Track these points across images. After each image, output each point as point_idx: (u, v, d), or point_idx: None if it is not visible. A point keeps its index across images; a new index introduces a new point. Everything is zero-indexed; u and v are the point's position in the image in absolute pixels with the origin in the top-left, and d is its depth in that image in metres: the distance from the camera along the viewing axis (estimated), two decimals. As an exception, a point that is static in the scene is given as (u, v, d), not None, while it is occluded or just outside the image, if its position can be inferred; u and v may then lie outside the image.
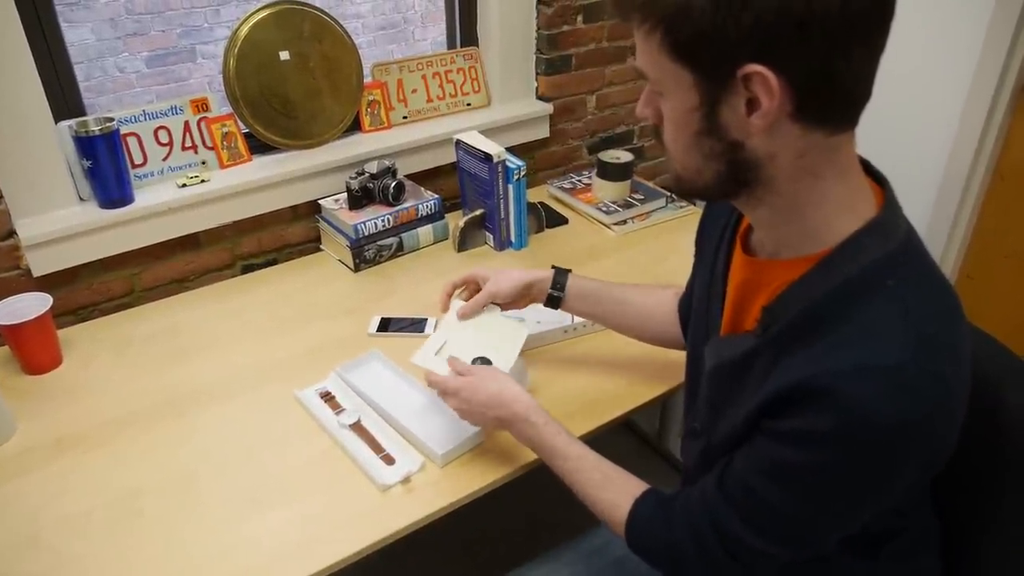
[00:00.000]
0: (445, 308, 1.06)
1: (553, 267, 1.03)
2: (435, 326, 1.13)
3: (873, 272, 0.61)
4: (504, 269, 1.03)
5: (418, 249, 1.55)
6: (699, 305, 0.84)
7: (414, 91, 1.69)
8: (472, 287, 1.05)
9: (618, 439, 1.83)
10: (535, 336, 1.20)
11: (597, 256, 1.51)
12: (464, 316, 1.01)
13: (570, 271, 1.04)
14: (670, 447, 1.92)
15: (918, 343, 0.58)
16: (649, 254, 1.50)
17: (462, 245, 1.53)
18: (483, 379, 0.91)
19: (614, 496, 0.82)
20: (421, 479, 0.98)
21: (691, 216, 1.66)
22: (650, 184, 1.75)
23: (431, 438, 1.01)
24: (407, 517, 0.94)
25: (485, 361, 0.97)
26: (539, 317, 1.22)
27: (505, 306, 1.05)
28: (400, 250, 1.52)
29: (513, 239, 1.54)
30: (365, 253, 1.47)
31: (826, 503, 0.63)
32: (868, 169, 0.67)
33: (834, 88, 0.57)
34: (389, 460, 1.01)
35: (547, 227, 1.61)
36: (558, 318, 1.22)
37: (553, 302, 1.04)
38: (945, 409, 0.59)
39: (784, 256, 0.68)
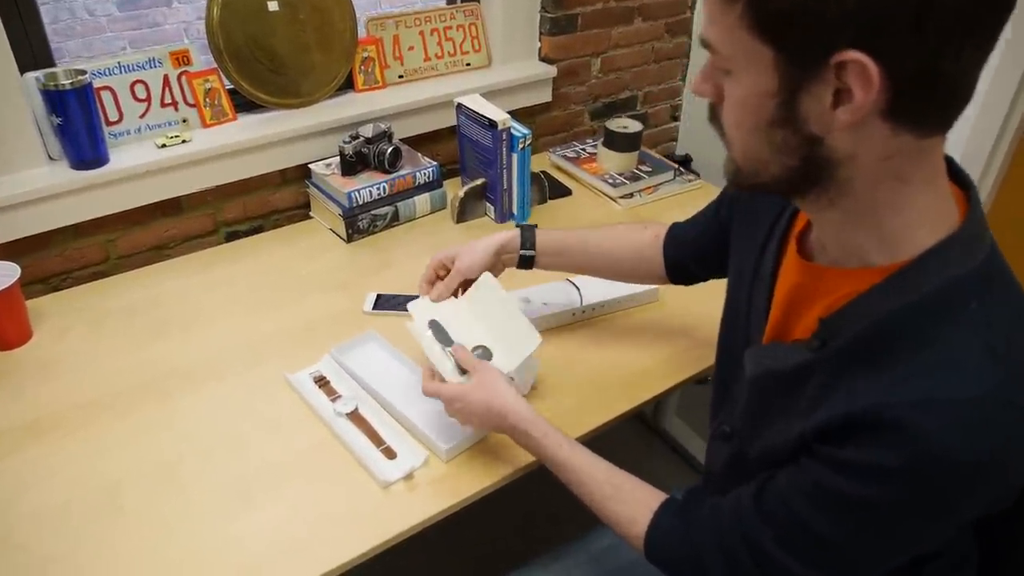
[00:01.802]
0: (425, 288, 1.02)
1: (517, 225, 1.00)
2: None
3: (954, 291, 0.56)
4: (469, 242, 0.98)
5: (414, 219, 1.49)
6: (737, 303, 0.79)
7: (411, 48, 1.60)
8: (444, 272, 1.01)
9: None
10: (542, 319, 1.16)
11: None
12: (438, 298, 0.97)
13: (536, 226, 1.00)
14: (666, 426, 1.90)
15: (1002, 374, 0.53)
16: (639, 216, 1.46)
17: (461, 216, 1.48)
18: (475, 389, 0.87)
19: (629, 510, 0.78)
20: (424, 475, 0.94)
21: (700, 190, 1.62)
22: (657, 155, 1.70)
23: (435, 431, 0.97)
24: (411, 517, 0.89)
25: (485, 352, 0.93)
26: (546, 298, 1.19)
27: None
28: (395, 220, 1.47)
29: (515, 211, 1.49)
30: (359, 223, 1.42)
31: (877, 538, 0.59)
32: (951, 169, 0.62)
33: (936, 88, 0.51)
34: (390, 454, 0.96)
35: (550, 198, 1.56)
36: (566, 300, 1.19)
37: (525, 262, 1.00)
38: None
39: (849, 264, 0.62)
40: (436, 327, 0.96)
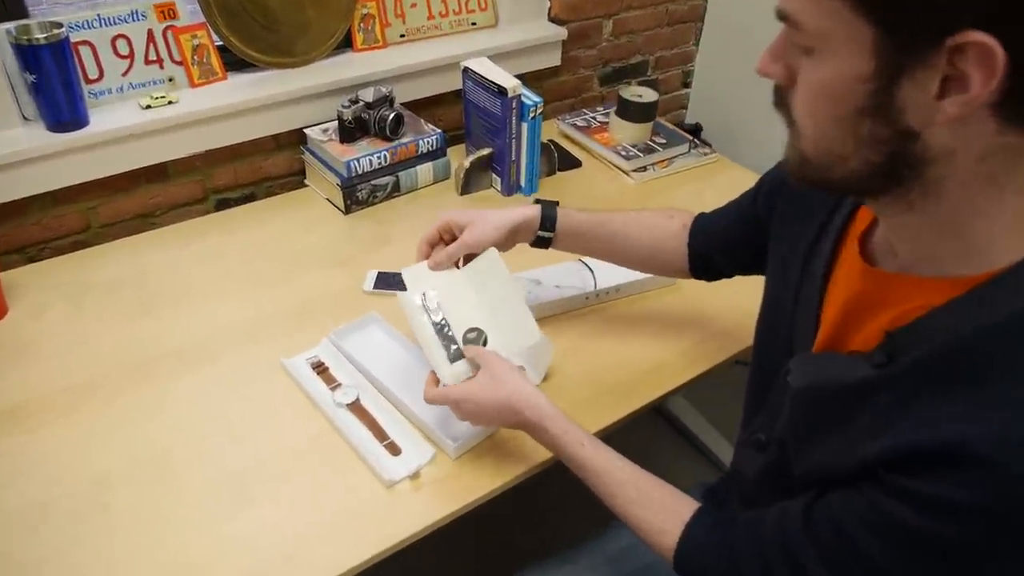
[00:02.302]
0: (421, 259, 0.95)
1: (537, 201, 0.94)
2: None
3: None
4: (484, 212, 0.92)
5: (416, 190, 1.43)
6: (780, 302, 0.73)
7: (413, 5, 1.51)
8: (449, 236, 0.94)
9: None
10: (554, 303, 1.11)
11: (614, 204, 1.40)
12: (437, 267, 0.91)
13: (558, 204, 0.94)
14: (668, 404, 1.87)
15: None
16: (671, 205, 1.32)
17: (465, 187, 1.41)
18: (484, 386, 0.82)
19: (658, 519, 0.74)
20: (431, 473, 0.90)
21: (716, 164, 1.55)
22: (672, 126, 1.62)
23: (442, 426, 0.92)
24: (418, 519, 0.84)
25: (479, 336, 0.89)
26: (558, 281, 1.14)
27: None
28: (396, 191, 1.40)
29: (523, 183, 1.42)
30: (357, 193, 1.35)
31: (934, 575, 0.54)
32: None
33: None
34: (394, 449, 0.92)
35: (559, 170, 1.49)
36: (579, 283, 1.14)
37: (542, 242, 0.95)
38: None
39: (923, 272, 0.57)
40: (430, 306, 0.91)
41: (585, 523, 0.96)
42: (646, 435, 1.81)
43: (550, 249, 0.97)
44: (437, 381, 0.87)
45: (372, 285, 1.17)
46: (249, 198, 1.43)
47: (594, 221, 0.96)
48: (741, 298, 0.96)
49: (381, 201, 1.39)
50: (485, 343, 0.89)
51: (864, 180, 0.53)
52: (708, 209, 0.96)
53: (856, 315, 0.63)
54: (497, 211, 0.94)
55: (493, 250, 0.90)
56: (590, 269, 1.16)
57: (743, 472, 0.78)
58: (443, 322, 0.90)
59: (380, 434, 0.93)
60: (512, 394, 0.81)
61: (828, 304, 0.67)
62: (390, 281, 1.18)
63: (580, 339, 1.09)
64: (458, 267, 0.93)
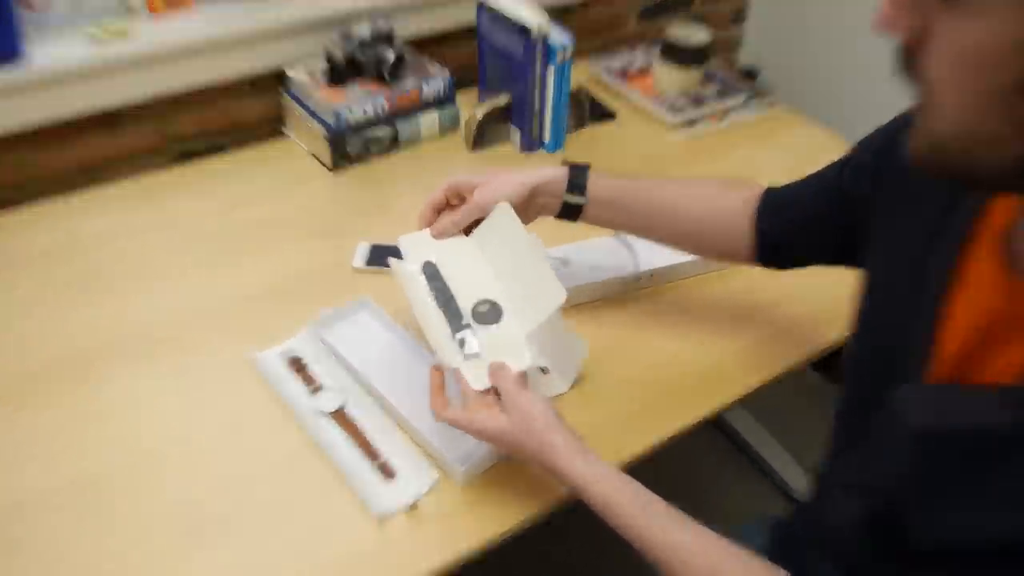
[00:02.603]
0: (424, 225, 0.94)
1: (565, 163, 0.90)
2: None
3: None
4: (499, 171, 0.90)
5: (419, 143, 1.35)
6: (882, 312, 0.66)
7: (418, -78, 1.40)
8: (458, 200, 0.92)
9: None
10: (585, 288, 1.04)
11: (654, 168, 1.33)
12: (441, 235, 0.89)
13: (589, 167, 0.90)
14: (729, 419, 1.76)
15: None
16: (725, 169, 1.33)
17: (478, 142, 1.33)
18: (510, 429, 0.76)
19: None
20: (433, 504, 0.82)
21: (782, 121, 1.45)
22: (726, 73, 1.52)
23: (448, 444, 0.85)
24: (415, 567, 0.76)
25: (493, 309, 0.85)
26: (591, 260, 1.07)
27: None
28: (395, 145, 1.32)
29: (546, 138, 1.33)
30: (348, 147, 1.27)
31: None
32: None
33: None
34: (387, 471, 0.84)
35: (589, 122, 1.40)
36: (617, 264, 1.06)
37: (570, 212, 0.90)
38: None
39: None
40: (432, 273, 0.88)
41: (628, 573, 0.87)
42: (698, 451, 1.75)
43: (580, 222, 0.92)
44: (443, 386, 0.81)
45: (364, 261, 1.11)
46: (217, 149, 1.34)
47: (634, 189, 0.92)
48: (820, 284, 0.95)
49: (376, 157, 1.32)
50: (499, 317, 0.85)
51: (1013, 174, 0.46)
52: (771, 174, 0.91)
53: (993, 338, 0.56)
54: (513, 171, 0.90)
55: (505, 204, 0.86)
56: (630, 247, 1.09)
57: (829, 518, 0.71)
58: (446, 293, 0.86)
59: (370, 451, 0.86)
60: (544, 446, 0.75)
61: (950, 321, 0.58)
62: (386, 256, 1.10)
63: (618, 335, 1.03)
64: (467, 234, 0.91)
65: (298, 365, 0.95)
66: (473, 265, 0.89)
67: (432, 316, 0.84)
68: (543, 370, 0.89)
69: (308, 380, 0.93)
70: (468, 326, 0.84)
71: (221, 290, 1.07)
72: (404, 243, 0.90)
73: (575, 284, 1.03)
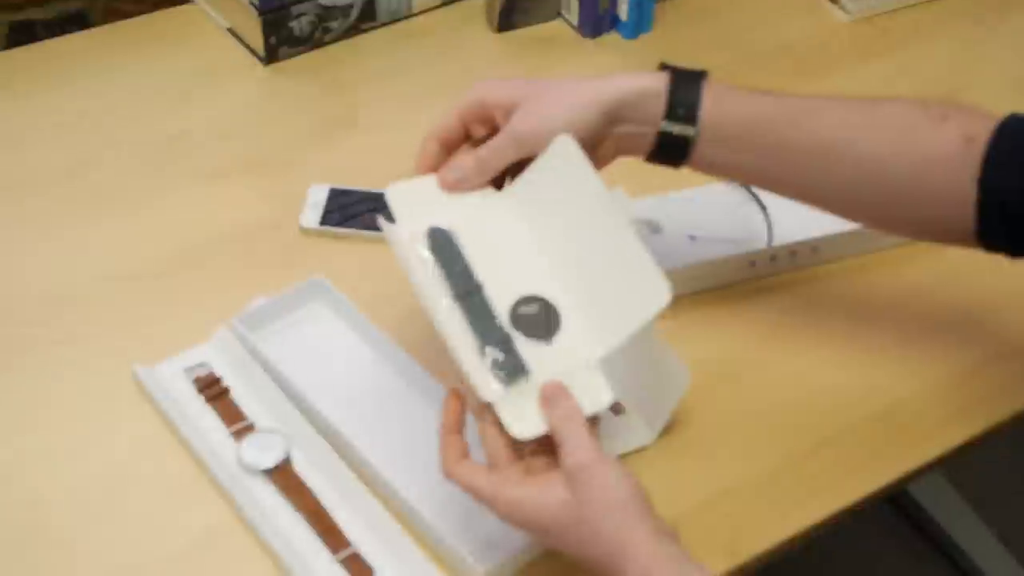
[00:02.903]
0: (426, 170, 0.91)
1: (664, 66, 0.88)
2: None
3: None
4: (550, 83, 0.87)
5: (408, 19, 1.34)
6: None
7: None
8: (484, 128, 0.90)
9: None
10: (689, 272, 1.02)
11: (806, 67, 1.30)
12: (456, 184, 0.88)
13: (704, 75, 0.87)
14: (916, 493, 1.75)
15: None
16: (929, 78, 1.29)
17: (506, 19, 1.32)
18: (545, 490, 0.75)
19: None
20: None
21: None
22: None
23: (460, 525, 0.84)
24: None
25: (544, 311, 0.83)
26: (699, 226, 1.04)
27: None
28: (368, 21, 1.31)
29: (623, 12, 1.32)
30: (291, 23, 1.25)
31: None
32: None
33: None
34: (358, 569, 0.81)
35: None
36: (741, 230, 1.05)
37: (671, 151, 0.88)
38: None
39: None
40: (442, 244, 0.85)
41: None
42: (868, 537, 1.72)
43: (684, 168, 0.90)
44: (462, 425, 0.79)
45: (318, 217, 1.09)
46: (77, 24, 1.32)
47: (778, 115, 0.88)
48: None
49: (336, 41, 1.30)
50: (554, 326, 0.82)
51: None
52: (1010, 90, 0.95)
53: None
54: (577, 80, 0.87)
55: (566, 138, 0.84)
56: (762, 207, 1.07)
57: None
58: (468, 277, 0.84)
59: (332, 536, 0.83)
60: (616, 552, 0.72)
61: None
62: (356, 208, 1.11)
63: (736, 350, 1.01)
64: (499, 187, 0.90)
65: (213, 388, 0.93)
66: (511, 237, 0.86)
67: (444, 316, 0.80)
68: (614, 407, 0.85)
69: (229, 414, 0.91)
70: (505, 334, 0.80)
71: (84, 263, 1.05)
72: (396, 198, 0.86)
73: (671, 265, 0.98)
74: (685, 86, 0.85)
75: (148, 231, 1.08)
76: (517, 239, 0.86)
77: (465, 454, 0.76)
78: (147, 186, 1.13)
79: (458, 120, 0.87)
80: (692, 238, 1.04)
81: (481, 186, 0.86)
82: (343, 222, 1.08)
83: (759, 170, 0.90)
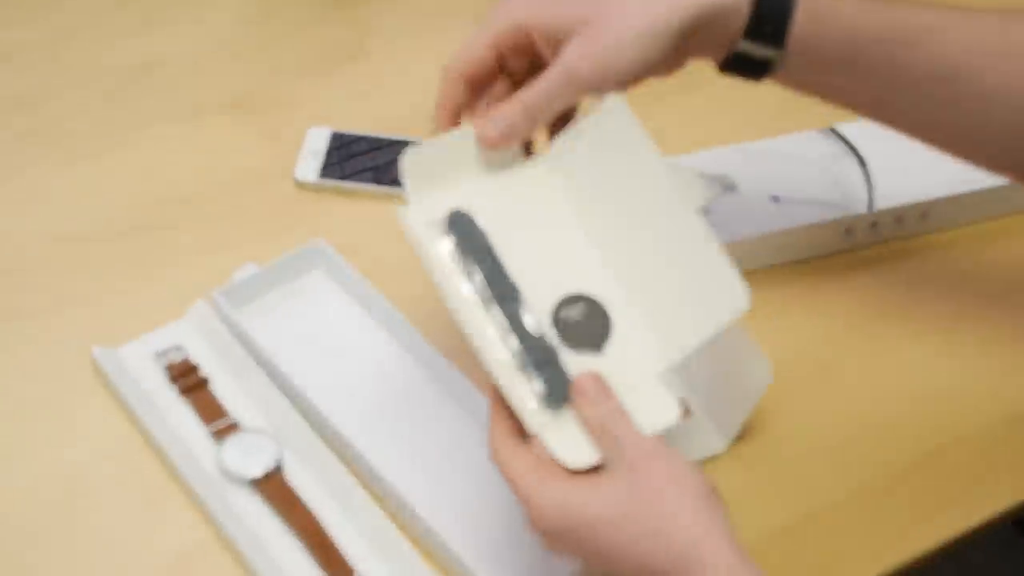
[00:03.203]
0: (446, 124, 0.87)
1: None
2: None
3: None
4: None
5: None
6: None
7: None
8: (521, 60, 0.86)
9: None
10: (770, 240, 1.02)
11: None
12: (499, 140, 0.84)
13: None
14: None
15: None
16: None
17: None
18: (620, 509, 0.73)
19: None
20: None
21: None
22: None
23: (481, 552, 0.83)
24: None
25: (588, 310, 0.82)
26: (784, 181, 1.04)
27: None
28: None
29: None
30: None
31: None
32: None
33: None
34: None
35: None
36: (835, 193, 1.03)
37: (749, 69, 0.87)
38: None
39: None
40: (467, 234, 0.83)
41: None
42: (989, 570, 1.72)
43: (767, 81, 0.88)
44: (507, 408, 0.77)
45: (318, 167, 1.08)
46: None
47: (893, 30, 0.86)
48: None
49: None
50: (605, 333, 0.80)
51: None
52: None
53: None
54: None
55: (619, 101, 0.81)
56: (861, 162, 1.05)
57: None
58: (500, 277, 0.81)
59: (329, 557, 0.82)
60: (682, 550, 0.71)
61: None
62: (363, 158, 1.12)
63: (831, 334, 0.99)
64: (530, 151, 0.87)
65: (188, 378, 0.90)
66: (550, 221, 0.83)
67: (475, 328, 0.77)
68: (685, 408, 0.83)
69: (208, 409, 0.89)
70: (550, 349, 0.78)
71: (30, 221, 1.04)
72: (412, 164, 0.81)
73: (748, 233, 1.00)
74: None
75: (109, 182, 1.06)
76: (557, 223, 0.83)
77: (516, 433, 0.74)
78: (108, 128, 1.11)
79: (489, 50, 0.82)
80: (775, 199, 1.01)
81: (518, 138, 0.83)
82: (348, 174, 1.06)
83: (860, 94, 0.87)
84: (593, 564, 0.74)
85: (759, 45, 0.82)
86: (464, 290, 0.78)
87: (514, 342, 0.77)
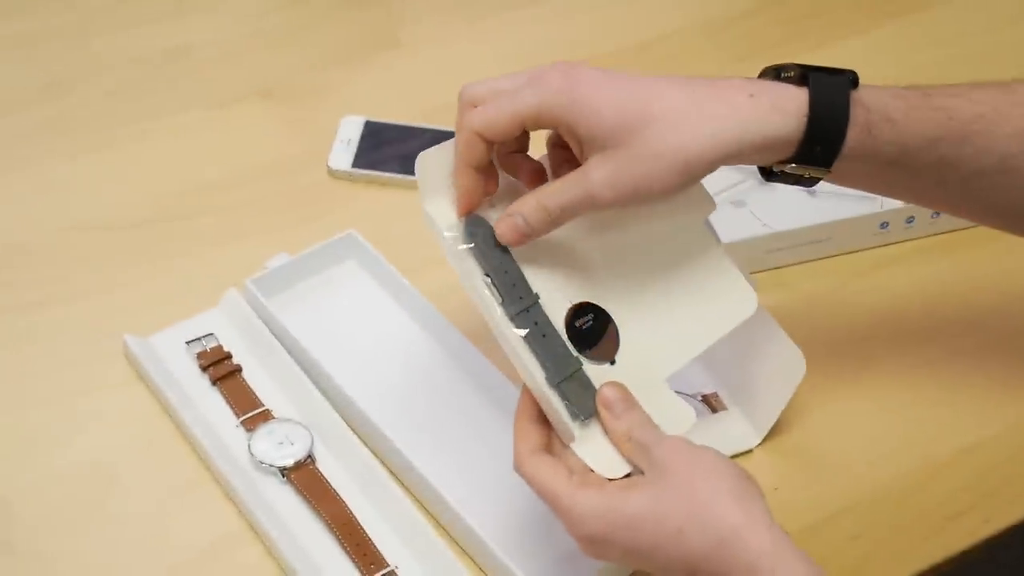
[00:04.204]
0: (466, 205, 0.86)
1: (786, 71, 0.84)
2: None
3: None
4: (654, 107, 0.81)
5: None
6: None
7: None
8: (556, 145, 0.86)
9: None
10: (810, 232, 1.03)
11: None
12: (517, 240, 0.84)
13: (853, 80, 0.84)
14: None
15: None
16: None
17: None
18: (660, 504, 0.74)
19: None
20: None
21: None
22: None
23: (516, 547, 0.84)
24: None
25: (603, 323, 0.84)
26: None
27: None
28: None
29: None
30: None
31: None
32: None
33: None
34: None
35: None
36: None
37: (790, 181, 0.88)
38: None
39: None
40: (486, 242, 0.83)
41: None
42: None
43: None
44: (537, 413, 0.80)
45: (351, 156, 1.09)
46: None
47: (946, 131, 0.85)
48: None
49: None
50: (615, 343, 0.83)
51: None
52: None
53: None
54: (691, 111, 0.81)
55: None
56: None
57: None
58: (528, 292, 0.82)
59: (361, 550, 0.83)
60: (722, 536, 0.72)
61: None
62: (397, 147, 1.12)
63: (866, 328, 1.00)
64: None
65: (220, 366, 0.92)
66: (570, 232, 0.82)
67: (512, 337, 0.79)
68: (709, 401, 0.87)
69: (240, 398, 0.90)
70: (575, 361, 0.80)
71: (59, 209, 1.04)
72: (427, 167, 0.82)
73: (779, 227, 1.01)
74: (826, 122, 0.82)
75: (140, 170, 1.06)
76: (565, 230, 0.83)
77: (543, 447, 0.75)
78: (136, 115, 1.11)
79: (512, 125, 0.81)
80: (811, 192, 0.96)
81: (540, 232, 0.83)
82: (381, 163, 1.06)
83: (910, 191, 0.89)
84: (635, 565, 0.77)
85: (808, 168, 0.83)
86: (484, 295, 0.80)
87: (540, 354, 0.79)
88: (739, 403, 0.88)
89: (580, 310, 0.81)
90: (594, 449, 0.74)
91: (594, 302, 0.82)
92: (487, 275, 0.81)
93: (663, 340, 0.81)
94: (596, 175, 0.79)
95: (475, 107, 0.82)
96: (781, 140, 0.81)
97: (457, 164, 0.83)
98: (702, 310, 0.81)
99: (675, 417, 0.76)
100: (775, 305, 0.91)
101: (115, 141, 1.11)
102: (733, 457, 0.86)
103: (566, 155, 0.83)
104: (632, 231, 0.84)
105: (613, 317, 0.81)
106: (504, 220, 0.81)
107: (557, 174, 0.83)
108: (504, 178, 0.85)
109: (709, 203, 0.86)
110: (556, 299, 0.81)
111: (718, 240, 0.82)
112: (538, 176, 0.85)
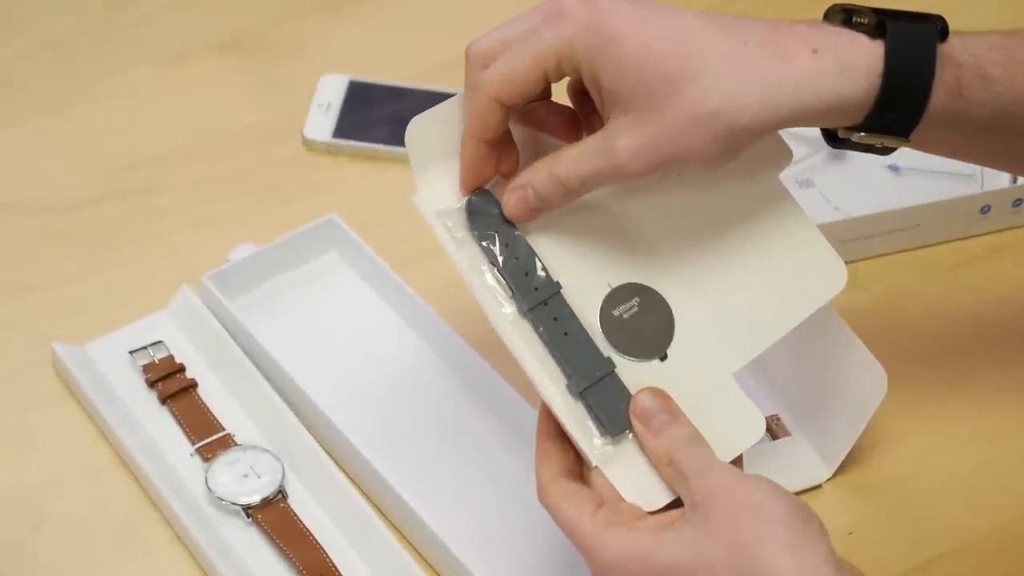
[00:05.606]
0: (471, 187, 0.84)
1: (853, 16, 0.80)
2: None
3: None
4: (693, 60, 0.77)
5: None
6: None
7: None
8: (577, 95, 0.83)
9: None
10: (896, 217, 1.02)
11: None
12: (527, 215, 0.83)
13: (941, 28, 0.79)
14: None
15: None
16: None
17: None
18: (671, 534, 0.72)
19: None
20: None
21: None
22: None
23: None
24: None
25: (651, 308, 0.81)
26: (902, 151, 0.96)
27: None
28: None
29: None
30: None
31: None
32: None
33: None
34: None
35: None
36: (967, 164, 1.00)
37: (866, 149, 0.86)
38: None
39: None
40: (490, 225, 0.82)
41: None
42: None
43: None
44: (560, 438, 0.76)
45: (331, 124, 1.09)
46: None
47: None
48: None
49: None
50: (668, 333, 0.79)
51: None
52: None
53: None
54: (741, 63, 0.78)
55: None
56: None
57: None
58: (545, 282, 0.80)
59: None
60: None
61: None
62: (385, 111, 1.14)
63: (961, 336, 0.99)
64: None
65: (171, 380, 0.91)
66: (589, 196, 0.81)
67: (520, 341, 0.76)
68: (769, 426, 0.87)
69: (195, 420, 0.89)
70: (606, 363, 0.76)
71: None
72: (420, 137, 0.79)
73: (860, 211, 1.01)
74: (905, 86, 0.77)
75: (73, 142, 1.07)
76: (595, 197, 0.80)
77: (568, 470, 0.73)
78: (72, 76, 1.13)
79: (532, 78, 0.77)
80: (894, 169, 1.01)
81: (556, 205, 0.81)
82: (368, 132, 1.06)
83: (1002, 156, 0.87)
84: None
85: (879, 137, 0.80)
86: (495, 295, 0.77)
87: (560, 355, 0.76)
88: (805, 428, 0.87)
89: (620, 294, 0.78)
90: (627, 472, 0.72)
91: (640, 282, 0.79)
92: (492, 263, 0.78)
93: (730, 325, 0.79)
94: (622, 142, 0.76)
95: (487, 67, 0.78)
96: (848, 105, 0.78)
97: (466, 138, 0.79)
98: (779, 284, 0.80)
99: (743, 424, 0.74)
100: (850, 309, 0.88)
101: (43, 107, 1.12)
102: (798, 494, 0.79)
103: (593, 105, 0.80)
104: (687, 189, 0.81)
105: (666, 298, 0.78)
106: (512, 192, 0.79)
107: (590, 127, 0.80)
108: (521, 132, 0.82)
109: (785, 153, 0.84)
110: (590, 283, 0.78)
111: (794, 199, 0.81)
112: (574, 127, 0.82)
